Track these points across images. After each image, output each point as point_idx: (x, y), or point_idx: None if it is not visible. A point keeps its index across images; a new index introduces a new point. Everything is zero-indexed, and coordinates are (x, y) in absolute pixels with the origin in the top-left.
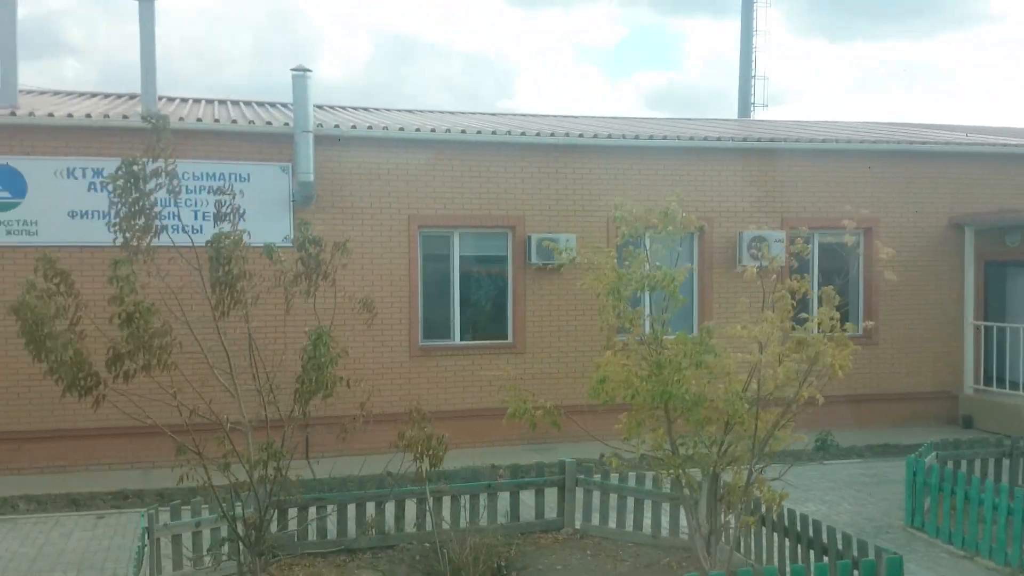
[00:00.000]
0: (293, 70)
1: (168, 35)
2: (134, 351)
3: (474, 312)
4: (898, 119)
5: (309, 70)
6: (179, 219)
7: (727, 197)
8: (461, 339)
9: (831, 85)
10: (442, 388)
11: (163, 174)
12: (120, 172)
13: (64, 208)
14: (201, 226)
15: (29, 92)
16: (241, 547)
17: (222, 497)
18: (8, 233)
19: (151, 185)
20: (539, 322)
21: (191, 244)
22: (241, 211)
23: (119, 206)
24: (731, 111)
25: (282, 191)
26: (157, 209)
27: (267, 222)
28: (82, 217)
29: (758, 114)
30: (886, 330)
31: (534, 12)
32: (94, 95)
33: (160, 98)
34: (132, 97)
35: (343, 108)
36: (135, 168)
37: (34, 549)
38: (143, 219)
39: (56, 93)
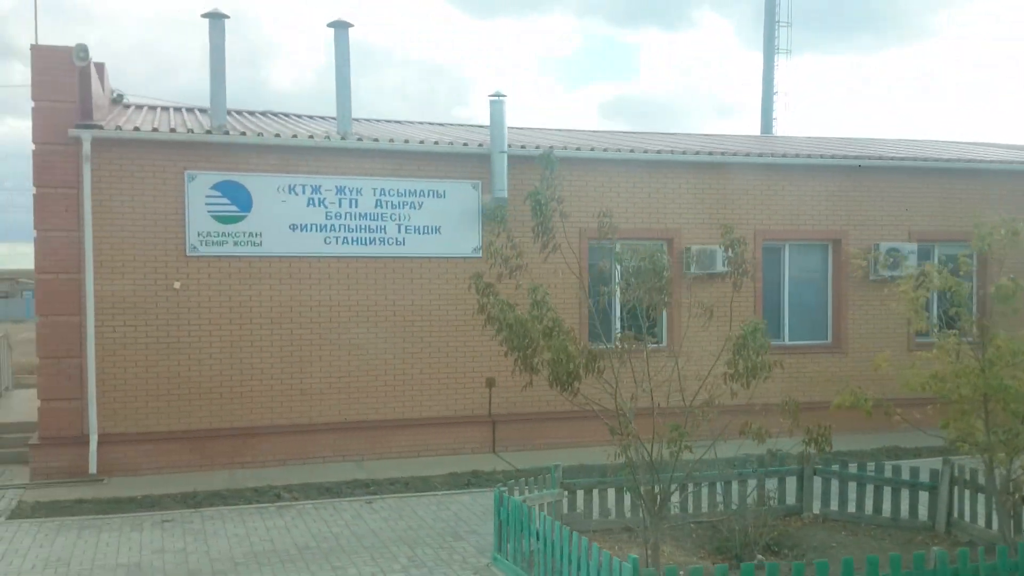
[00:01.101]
0: (490, 96)
1: (120, 38)
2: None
3: (634, 319)
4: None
5: (505, 96)
6: (386, 231)
7: (862, 211)
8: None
9: (780, 97)
10: (606, 387)
11: (556, 200)
12: (529, 200)
13: (285, 221)
14: (404, 238)
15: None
16: (643, 512)
17: (632, 471)
18: (235, 244)
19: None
20: (699, 329)
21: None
22: (438, 226)
23: (538, 229)
24: (683, 121)
25: (472, 206)
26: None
27: (460, 234)
28: (301, 230)
29: (778, 129)
30: None
31: (491, 23)
32: (275, 114)
33: (229, 112)
34: (322, 118)
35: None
36: (539, 197)
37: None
38: (544, 238)
39: (240, 112)
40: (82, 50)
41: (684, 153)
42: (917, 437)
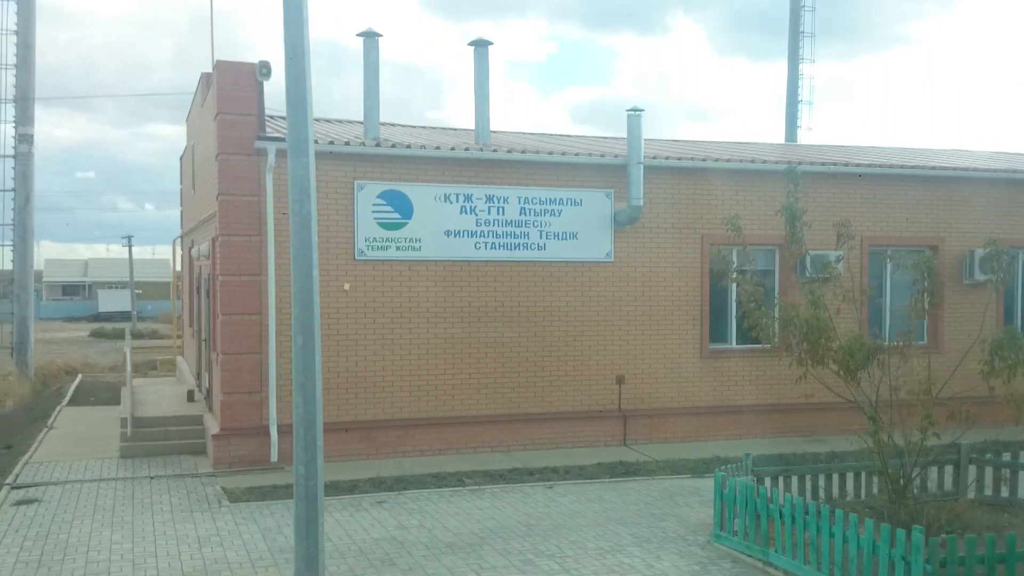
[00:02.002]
0: (629, 111)
1: (91, 37)
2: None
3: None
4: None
5: (642, 110)
6: (528, 237)
7: (957, 219)
8: (738, 344)
9: (754, 104)
10: (725, 386)
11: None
12: (783, 212)
13: (441, 228)
14: (545, 244)
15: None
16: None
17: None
18: (397, 249)
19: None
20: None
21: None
22: (575, 232)
23: (789, 238)
24: (657, 127)
25: (605, 214)
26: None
27: (594, 240)
28: (455, 236)
29: (803, 137)
30: None
31: (465, 26)
32: (423, 127)
33: (382, 124)
34: (454, 129)
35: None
36: (793, 210)
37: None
38: (795, 247)
39: (393, 125)
40: (264, 67)
41: (812, 164)
42: None
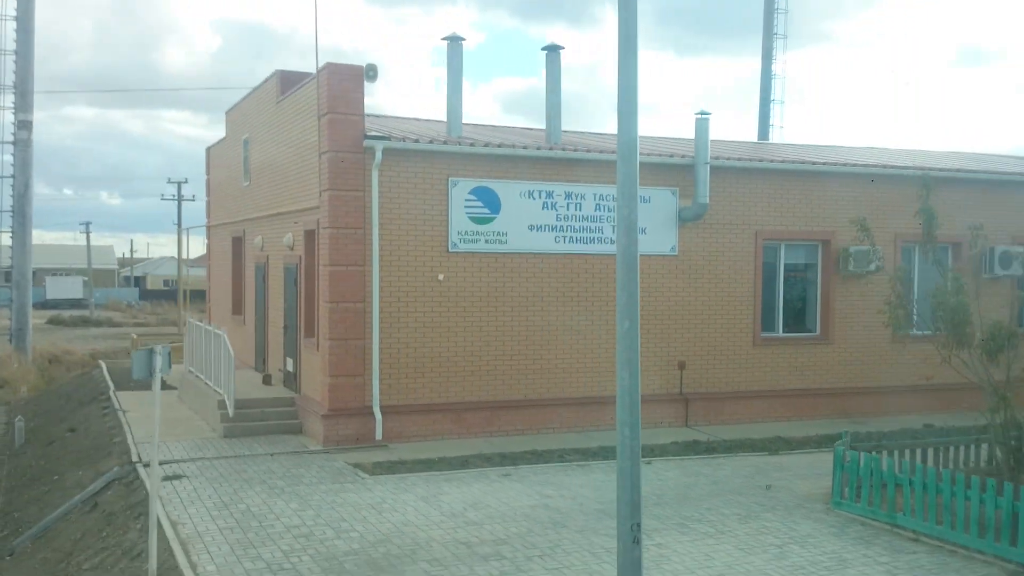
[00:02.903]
0: (697, 114)
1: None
2: None
3: (790, 309)
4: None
5: (709, 113)
6: (602, 231)
7: (979, 218)
8: (783, 331)
9: (679, 99)
10: (774, 372)
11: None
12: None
13: (525, 222)
14: (615, 237)
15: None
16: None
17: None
18: (486, 241)
19: None
20: (844, 319)
21: None
22: (643, 227)
23: (925, 237)
24: (589, 120)
25: (671, 210)
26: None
27: (661, 235)
28: (538, 230)
29: (775, 135)
30: None
31: (393, 11)
32: (497, 127)
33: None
34: (528, 129)
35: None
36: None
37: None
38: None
39: (475, 125)
40: (372, 69)
41: (844, 165)
42: None
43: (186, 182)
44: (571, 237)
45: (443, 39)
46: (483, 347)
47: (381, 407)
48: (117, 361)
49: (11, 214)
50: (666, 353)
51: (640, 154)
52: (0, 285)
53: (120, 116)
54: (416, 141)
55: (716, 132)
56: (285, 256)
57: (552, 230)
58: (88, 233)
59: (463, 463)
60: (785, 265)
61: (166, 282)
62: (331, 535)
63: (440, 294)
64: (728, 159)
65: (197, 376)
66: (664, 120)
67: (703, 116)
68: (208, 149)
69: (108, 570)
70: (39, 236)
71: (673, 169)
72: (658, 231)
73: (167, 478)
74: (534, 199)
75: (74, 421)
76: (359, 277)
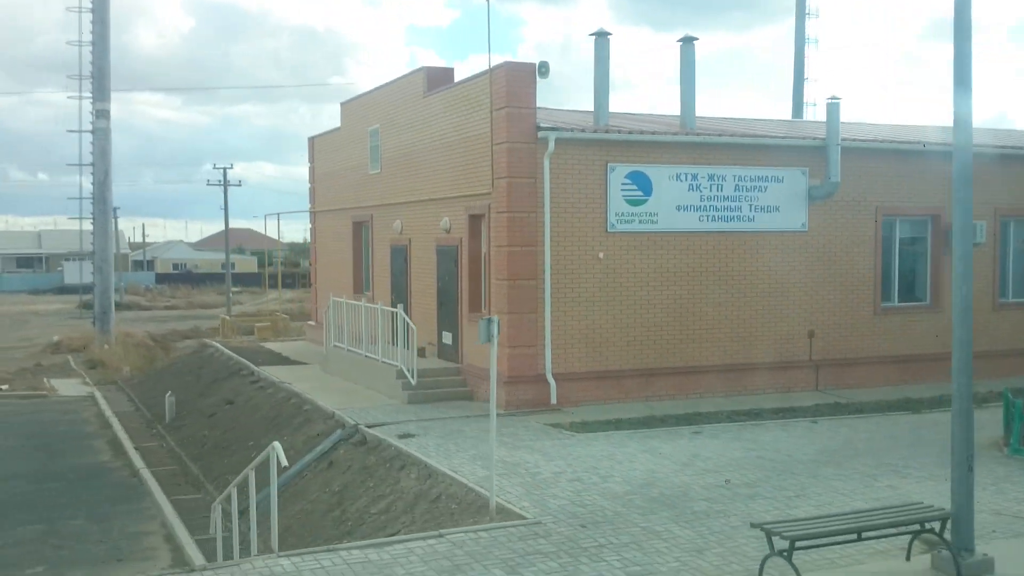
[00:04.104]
0: (828, 99)
1: None
2: None
3: (904, 281)
4: None
5: (839, 98)
6: (741, 210)
7: None
8: (898, 301)
9: (657, 74)
10: (891, 338)
11: None
12: None
13: (674, 203)
14: (753, 216)
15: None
16: None
17: None
18: (640, 222)
19: None
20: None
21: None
22: (776, 205)
23: None
24: (572, 97)
25: (801, 189)
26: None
27: (792, 213)
28: (684, 210)
29: (808, 114)
30: None
31: None
32: (633, 113)
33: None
34: (661, 115)
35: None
36: None
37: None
38: None
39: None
40: (544, 66)
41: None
42: None
43: (231, 167)
44: (713, 216)
45: (590, 35)
46: (638, 319)
47: (553, 374)
48: (206, 340)
49: (91, 201)
50: (797, 322)
51: (774, 137)
52: (11, 271)
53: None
54: (583, 131)
55: (707, 109)
56: (438, 238)
57: (697, 210)
58: (116, 218)
59: (643, 423)
60: (900, 239)
61: (175, 265)
62: (597, 480)
63: (600, 271)
64: (856, 140)
65: (350, 350)
66: (639, 96)
67: (834, 101)
68: (311, 139)
69: (433, 513)
70: (43, 222)
71: (803, 150)
72: (790, 209)
73: (401, 436)
74: (681, 181)
75: (223, 395)
76: (531, 256)
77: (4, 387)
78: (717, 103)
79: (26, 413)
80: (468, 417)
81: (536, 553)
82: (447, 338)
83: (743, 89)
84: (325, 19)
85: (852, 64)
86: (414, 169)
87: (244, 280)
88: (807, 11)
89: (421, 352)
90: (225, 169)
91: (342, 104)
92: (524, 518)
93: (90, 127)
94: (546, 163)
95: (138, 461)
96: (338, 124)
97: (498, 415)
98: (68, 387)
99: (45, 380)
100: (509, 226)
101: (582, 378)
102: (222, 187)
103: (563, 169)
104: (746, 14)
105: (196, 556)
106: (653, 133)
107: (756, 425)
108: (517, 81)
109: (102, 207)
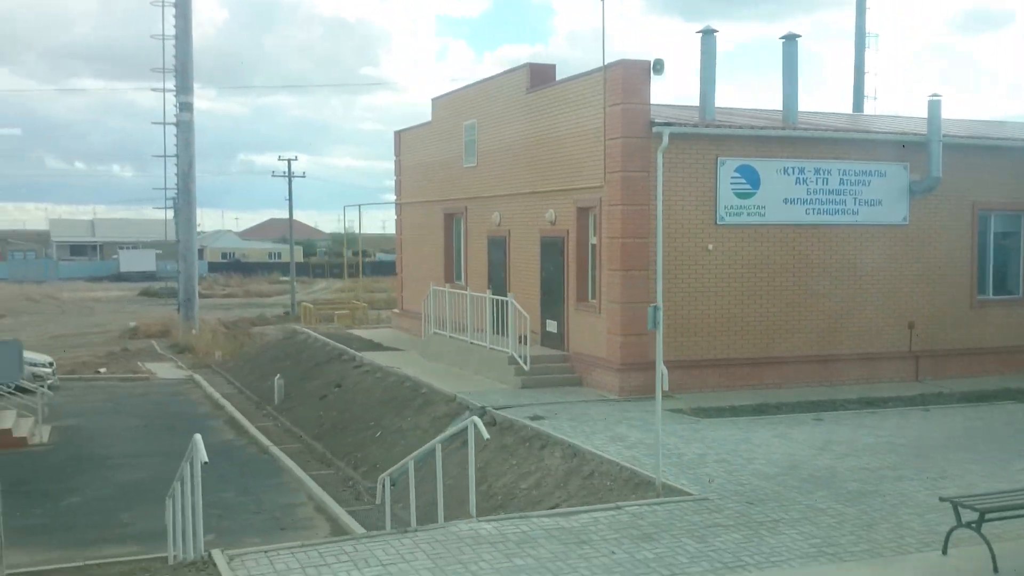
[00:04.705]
0: (930, 97)
1: None
2: None
3: (998, 274)
4: None
5: (940, 96)
6: (846, 204)
7: None
8: (992, 294)
9: (687, 64)
10: (988, 330)
11: None
12: None
13: (781, 196)
14: (857, 209)
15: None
16: None
17: None
18: (748, 215)
19: None
20: None
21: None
22: (879, 199)
23: None
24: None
25: (903, 183)
26: None
27: (893, 206)
28: (791, 203)
29: (868, 107)
30: None
31: None
32: (737, 108)
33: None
34: (764, 110)
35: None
36: None
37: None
38: None
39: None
40: (659, 63)
41: None
42: None
43: (295, 159)
44: (819, 209)
45: (697, 32)
46: (745, 309)
47: (664, 362)
48: (295, 327)
49: (176, 191)
50: (897, 314)
51: (877, 132)
52: (65, 259)
53: (127, 88)
54: (695, 126)
55: (743, 101)
56: (543, 229)
57: (803, 203)
58: (172, 208)
59: (757, 410)
60: (994, 233)
61: (224, 255)
62: (743, 462)
63: (708, 262)
64: (955, 136)
65: (452, 337)
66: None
67: (935, 98)
68: (398, 133)
69: (588, 488)
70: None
71: (908, 146)
72: (891, 203)
73: (532, 418)
74: (788, 175)
75: (329, 379)
76: (643, 248)
77: (102, 370)
78: (758, 94)
79: (136, 395)
80: (587, 402)
81: (715, 525)
82: (551, 326)
83: (776, 79)
84: (356, 9)
85: (900, 56)
86: (515, 163)
87: (297, 269)
88: (866, 5)
89: (523, 339)
90: (289, 161)
91: (433, 99)
92: (690, 494)
93: (174, 120)
94: (659, 157)
95: (263, 439)
96: (365, 116)
97: (613, 400)
98: (164, 371)
99: (140, 364)
100: (622, 218)
101: (692, 366)
102: (286, 178)
103: (675, 163)
104: (776, 6)
105: (355, 526)
106: (763, 128)
107: (872, 413)
108: (632, 78)
109: (186, 197)
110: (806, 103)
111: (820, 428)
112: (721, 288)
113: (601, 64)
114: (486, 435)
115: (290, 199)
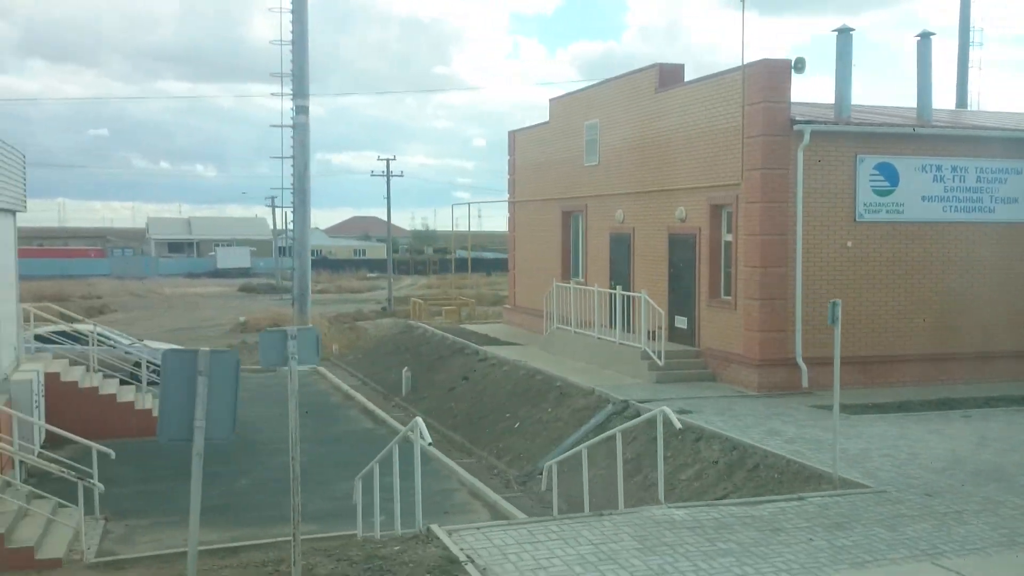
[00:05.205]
0: None
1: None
2: None
3: None
4: None
5: None
6: (982, 201)
7: None
8: None
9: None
10: None
11: None
12: None
13: (918, 194)
14: (994, 207)
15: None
16: None
17: None
18: (887, 212)
19: None
20: None
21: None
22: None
23: None
24: None
25: None
26: None
27: None
28: (928, 200)
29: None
30: None
31: None
32: (866, 105)
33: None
34: (894, 107)
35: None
36: None
37: None
38: None
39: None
40: (800, 62)
41: None
42: None
43: (394, 159)
44: (956, 207)
45: (833, 31)
46: (883, 306)
47: (803, 358)
48: (411, 322)
49: (292, 191)
50: None
51: (1015, 130)
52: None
53: (210, 90)
54: (836, 124)
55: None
56: (671, 227)
57: (941, 200)
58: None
59: (901, 407)
60: None
61: (312, 252)
62: (907, 457)
63: (847, 259)
64: None
65: (578, 332)
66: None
67: None
68: (512, 133)
69: (755, 480)
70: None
71: None
72: None
73: (680, 412)
74: (926, 172)
75: (455, 371)
76: (782, 244)
77: None
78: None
79: (268, 385)
80: (727, 397)
81: (901, 516)
82: (680, 322)
83: (859, 73)
84: (430, 8)
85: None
86: (641, 161)
87: (379, 266)
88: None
89: (651, 335)
90: (388, 161)
91: (551, 100)
92: (867, 487)
93: (291, 122)
94: (799, 155)
95: (400, 428)
96: (436, 114)
97: (752, 396)
98: None
99: None
100: (761, 215)
101: (831, 363)
102: (385, 177)
103: (815, 160)
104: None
105: (515, 511)
106: (901, 126)
107: (1019, 411)
108: (774, 77)
109: (302, 197)
110: (890, 98)
111: (972, 425)
112: (860, 285)
113: (740, 63)
114: (678, 424)
115: (388, 198)
